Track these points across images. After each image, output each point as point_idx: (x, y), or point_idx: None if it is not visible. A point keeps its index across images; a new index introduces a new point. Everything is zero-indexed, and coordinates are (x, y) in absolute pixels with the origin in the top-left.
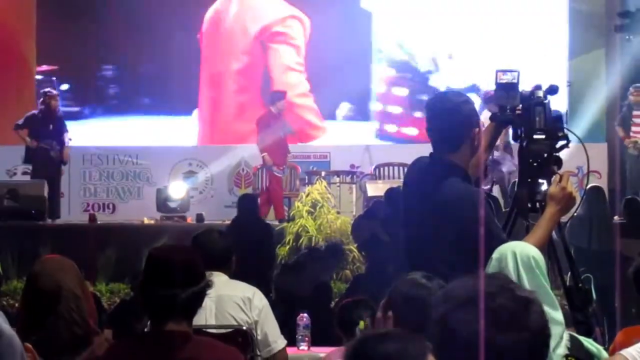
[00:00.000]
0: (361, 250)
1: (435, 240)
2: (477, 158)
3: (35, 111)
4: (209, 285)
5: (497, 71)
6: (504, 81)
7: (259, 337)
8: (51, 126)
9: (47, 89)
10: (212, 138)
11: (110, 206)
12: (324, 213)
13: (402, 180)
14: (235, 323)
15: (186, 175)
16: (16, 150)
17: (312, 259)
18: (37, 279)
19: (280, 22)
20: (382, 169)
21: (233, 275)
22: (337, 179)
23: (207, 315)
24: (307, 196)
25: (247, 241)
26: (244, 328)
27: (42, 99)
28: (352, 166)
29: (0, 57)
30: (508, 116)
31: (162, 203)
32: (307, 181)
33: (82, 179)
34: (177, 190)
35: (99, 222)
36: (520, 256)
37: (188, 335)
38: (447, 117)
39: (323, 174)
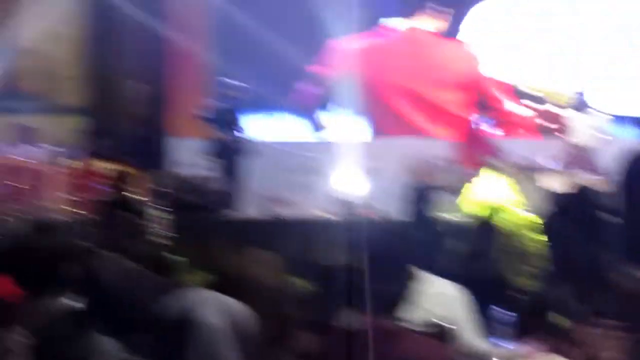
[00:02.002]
0: (550, 246)
1: None
2: None
3: (217, 102)
4: (415, 280)
5: None
6: None
7: (458, 334)
8: (235, 118)
9: (226, 80)
10: None
11: (289, 201)
12: (505, 206)
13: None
14: (435, 319)
15: (366, 170)
16: (192, 144)
17: None
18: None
19: None
20: None
21: None
22: (519, 172)
23: None
24: None
25: None
26: (446, 325)
27: (222, 91)
28: (536, 159)
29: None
30: None
31: (340, 198)
32: None
33: (260, 173)
34: (356, 185)
35: (278, 217)
36: None
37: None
38: None
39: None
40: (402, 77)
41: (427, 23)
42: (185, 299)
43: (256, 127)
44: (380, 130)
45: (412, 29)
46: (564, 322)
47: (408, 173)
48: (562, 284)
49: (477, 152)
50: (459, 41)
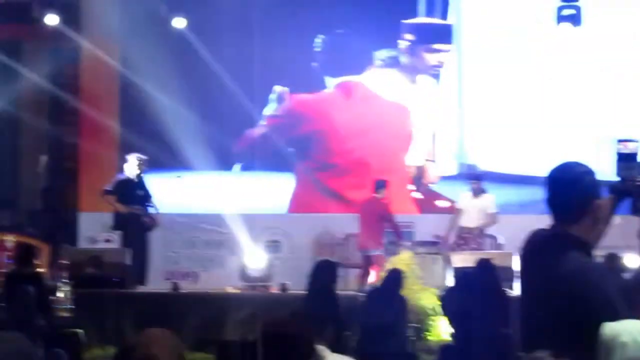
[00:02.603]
0: (451, 322)
1: (554, 317)
2: (597, 231)
3: (123, 176)
4: None
5: (618, 141)
6: (625, 151)
7: None
8: (141, 191)
9: (134, 154)
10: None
11: (193, 275)
12: (409, 284)
13: (487, 250)
14: None
15: (269, 244)
16: (98, 217)
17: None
18: (130, 352)
19: None
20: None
21: None
22: (421, 250)
23: None
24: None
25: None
26: None
27: (128, 166)
28: (437, 236)
29: (85, 122)
30: (628, 187)
31: (244, 272)
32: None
33: (164, 247)
34: (260, 259)
35: (182, 291)
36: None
37: None
38: (568, 188)
39: (409, 244)
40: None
41: (375, 79)
42: None
43: (165, 195)
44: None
45: (355, 85)
46: None
47: (312, 248)
48: None
49: (381, 228)
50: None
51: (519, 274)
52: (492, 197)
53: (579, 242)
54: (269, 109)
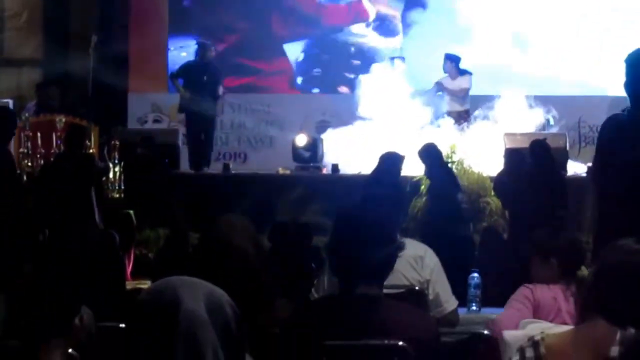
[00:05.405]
0: (505, 205)
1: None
2: None
3: (191, 60)
4: (400, 247)
5: None
6: None
7: (430, 297)
8: (205, 77)
9: (201, 40)
10: None
11: (242, 155)
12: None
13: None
14: (406, 282)
15: (319, 125)
16: (146, 98)
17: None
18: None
19: None
20: None
21: None
22: None
23: None
24: None
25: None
26: (417, 288)
27: (197, 50)
28: None
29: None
30: None
31: (296, 153)
32: None
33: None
34: (311, 140)
35: (232, 172)
36: None
37: (379, 298)
38: None
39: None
40: None
41: None
42: (167, 284)
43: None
44: None
45: None
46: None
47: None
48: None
49: None
50: None
51: (593, 157)
52: (470, 76)
53: None
54: None
